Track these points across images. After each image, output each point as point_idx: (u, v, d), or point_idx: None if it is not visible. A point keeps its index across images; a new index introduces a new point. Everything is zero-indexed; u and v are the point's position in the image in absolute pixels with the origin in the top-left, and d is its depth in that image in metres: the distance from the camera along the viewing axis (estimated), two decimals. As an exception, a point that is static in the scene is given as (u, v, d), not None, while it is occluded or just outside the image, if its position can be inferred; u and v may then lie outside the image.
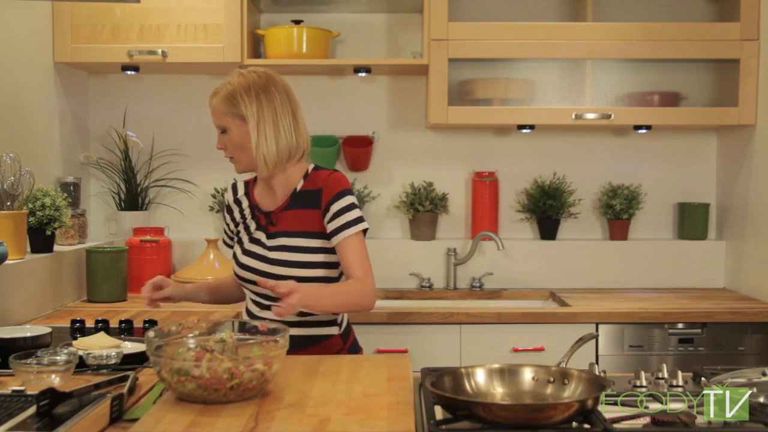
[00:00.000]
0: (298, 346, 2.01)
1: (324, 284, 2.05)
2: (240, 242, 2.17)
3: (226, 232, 2.26)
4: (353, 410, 1.42)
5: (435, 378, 1.49)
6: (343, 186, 2.07)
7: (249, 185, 2.21)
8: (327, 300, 1.97)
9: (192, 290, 2.24)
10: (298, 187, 2.10)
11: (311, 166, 2.14)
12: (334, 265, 2.08)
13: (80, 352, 1.80)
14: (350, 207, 2.06)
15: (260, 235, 2.12)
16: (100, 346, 1.94)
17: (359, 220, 2.05)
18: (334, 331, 2.14)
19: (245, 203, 2.18)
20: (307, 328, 2.09)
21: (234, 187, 2.24)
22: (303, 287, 1.86)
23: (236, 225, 2.20)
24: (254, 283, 2.08)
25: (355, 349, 2.23)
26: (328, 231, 2.05)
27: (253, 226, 2.15)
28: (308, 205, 2.08)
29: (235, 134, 2.07)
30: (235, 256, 2.17)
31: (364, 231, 2.07)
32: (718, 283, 3.45)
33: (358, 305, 2.03)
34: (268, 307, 2.10)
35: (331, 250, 2.07)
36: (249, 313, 2.19)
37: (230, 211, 2.22)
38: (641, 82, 3.31)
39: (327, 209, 2.05)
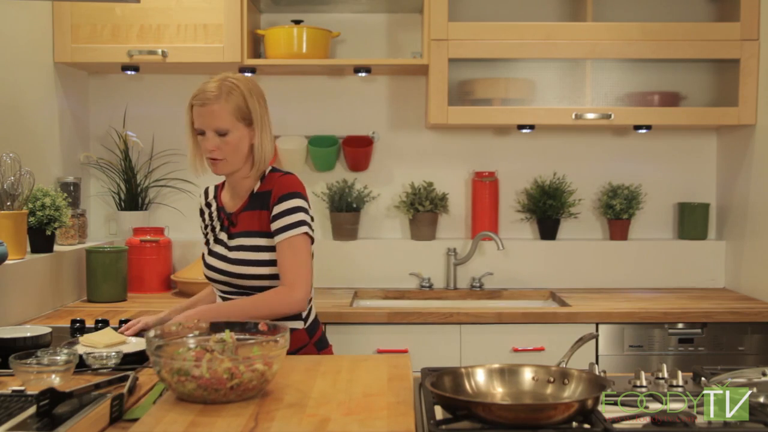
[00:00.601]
0: None
1: (238, 300, 2.10)
2: (207, 243, 2.23)
3: (203, 232, 2.31)
4: (353, 410, 1.42)
5: (435, 378, 1.49)
6: (290, 189, 2.10)
7: (218, 189, 2.29)
8: (230, 315, 2.00)
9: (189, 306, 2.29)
10: (255, 189, 2.17)
11: (269, 168, 2.20)
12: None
13: (81, 350, 1.80)
14: (294, 210, 2.08)
15: (223, 236, 2.19)
16: (106, 343, 1.94)
17: (300, 224, 2.07)
18: (298, 325, 2.15)
19: (214, 206, 2.26)
20: (266, 266, 2.12)
21: (206, 191, 2.32)
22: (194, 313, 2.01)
23: (206, 227, 2.27)
24: (221, 282, 2.16)
25: (322, 345, 2.24)
26: (271, 231, 2.10)
27: (218, 227, 2.22)
28: (261, 206, 2.13)
29: (235, 137, 2.09)
30: (203, 256, 2.23)
31: (311, 236, 2.10)
32: (718, 283, 3.45)
33: (276, 314, 2.04)
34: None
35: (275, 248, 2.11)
36: None
37: (202, 214, 2.29)
38: (641, 82, 3.31)
39: (272, 210, 2.10)
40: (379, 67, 3.28)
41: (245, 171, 2.16)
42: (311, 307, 2.23)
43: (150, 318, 2.19)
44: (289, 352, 2.08)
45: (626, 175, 3.51)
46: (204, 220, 2.28)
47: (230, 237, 2.16)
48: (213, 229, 2.23)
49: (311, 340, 2.20)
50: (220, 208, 2.23)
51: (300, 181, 2.15)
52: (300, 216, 2.08)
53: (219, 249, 2.17)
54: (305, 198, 2.13)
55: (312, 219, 2.14)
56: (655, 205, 3.53)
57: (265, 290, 2.10)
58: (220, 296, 2.21)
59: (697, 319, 2.90)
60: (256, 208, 2.13)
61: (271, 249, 2.11)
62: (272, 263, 2.10)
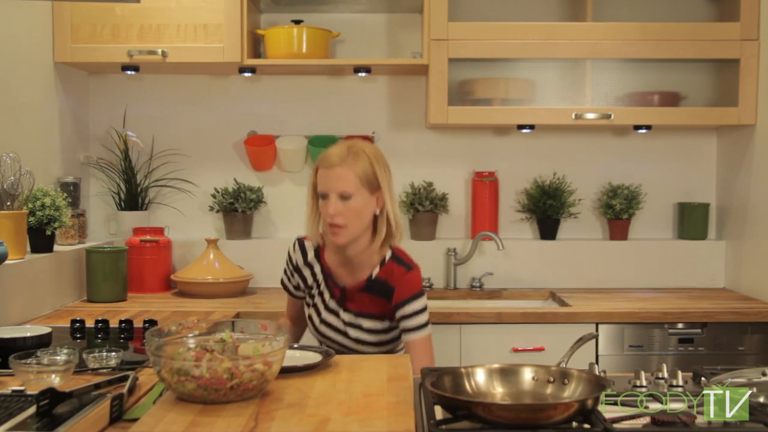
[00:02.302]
0: None
1: None
2: (315, 307, 2.23)
3: (290, 281, 2.31)
4: (353, 410, 1.42)
5: (435, 378, 1.49)
6: (417, 289, 2.15)
7: (320, 250, 2.24)
8: None
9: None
10: (374, 274, 2.17)
11: (388, 254, 2.18)
12: (394, 341, 2.22)
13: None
14: (422, 311, 2.15)
15: (336, 307, 2.20)
16: None
17: (426, 325, 2.16)
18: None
19: (317, 268, 2.23)
20: (384, 345, 2.22)
21: (302, 245, 2.26)
22: None
23: (307, 285, 2.26)
24: (331, 345, 2.21)
25: None
26: (400, 327, 2.16)
27: (327, 294, 2.21)
28: (380, 295, 2.16)
29: (358, 202, 2.09)
30: (310, 318, 2.24)
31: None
32: (718, 283, 3.45)
33: None
34: (342, 345, 2.21)
35: (393, 329, 2.20)
36: None
37: (298, 271, 2.26)
38: (641, 82, 3.31)
39: (398, 308, 2.14)
40: (379, 67, 3.28)
41: (364, 242, 2.15)
42: None
43: None
44: None
45: (626, 175, 3.51)
46: (304, 279, 2.25)
47: (345, 311, 2.19)
48: (321, 294, 2.22)
49: None
50: (328, 275, 2.21)
51: (420, 276, 2.19)
52: (426, 316, 2.15)
53: (332, 320, 2.20)
54: (424, 294, 2.18)
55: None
56: (655, 205, 3.53)
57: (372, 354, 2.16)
58: (319, 330, 2.25)
59: (697, 319, 2.90)
60: (375, 294, 2.17)
61: (384, 332, 2.19)
62: (386, 343, 2.20)
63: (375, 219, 2.15)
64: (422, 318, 2.14)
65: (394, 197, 2.15)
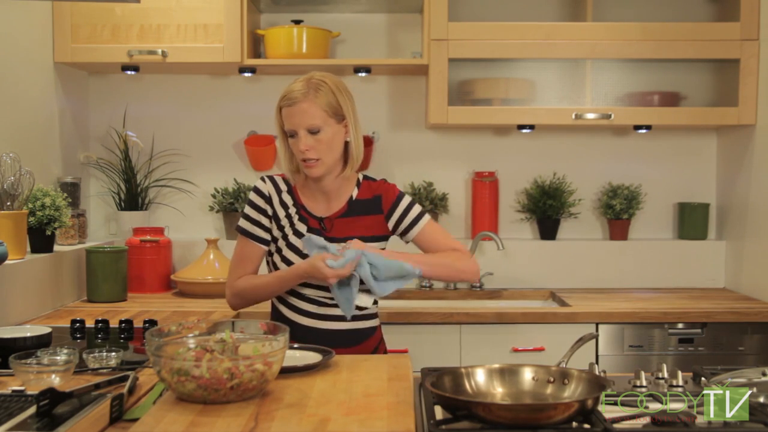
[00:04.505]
0: (353, 342, 2.13)
1: (437, 255, 2.16)
2: (291, 246, 2.12)
3: (257, 223, 2.13)
4: (353, 410, 1.42)
5: (435, 378, 1.49)
6: (398, 190, 2.22)
7: (293, 187, 2.17)
8: (438, 264, 2.13)
9: None
10: (354, 195, 2.17)
11: (360, 175, 2.21)
12: None
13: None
14: (413, 203, 2.20)
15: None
16: None
17: (424, 212, 2.20)
18: (377, 323, 2.23)
19: (290, 202, 2.15)
20: (360, 321, 2.16)
21: (273, 181, 2.16)
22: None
23: (279, 224, 2.14)
24: (313, 286, 2.10)
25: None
26: (401, 230, 2.18)
27: (303, 229, 2.13)
28: (368, 212, 2.16)
29: (328, 134, 2.06)
30: (286, 261, 2.12)
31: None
32: (718, 283, 3.45)
33: (461, 278, 2.21)
34: (322, 303, 2.13)
35: (381, 245, 2.18)
36: (281, 315, 2.18)
37: (271, 204, 2.14)
38: (641, 82, 3.31)
39: (392, 212, 2.17)
40: (379, 67, 3.28)
41: (338, 171, 2.12)
42: None
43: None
44: (372, 351, 2.15)
45: (626, 175, 3.51)
46: (276, 215, 2.13)
47: (328, 240, 2.10)
48: (297, 232, 2.12)
49: (381, 337, 2.26)
50: (301, 207, 2.14)
51: None
52: (419, 207, 2.21)
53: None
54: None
55: None
56: (655, 205, 3.53)
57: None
58: (308, 296, 2.14)
59: (697, 319, 2.90)
60: (360, 214, 2.15)
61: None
62: None
63: (346, 146, 2.13)
64: (418, 207, 2.20)
65: (358, 124, 2.14)
